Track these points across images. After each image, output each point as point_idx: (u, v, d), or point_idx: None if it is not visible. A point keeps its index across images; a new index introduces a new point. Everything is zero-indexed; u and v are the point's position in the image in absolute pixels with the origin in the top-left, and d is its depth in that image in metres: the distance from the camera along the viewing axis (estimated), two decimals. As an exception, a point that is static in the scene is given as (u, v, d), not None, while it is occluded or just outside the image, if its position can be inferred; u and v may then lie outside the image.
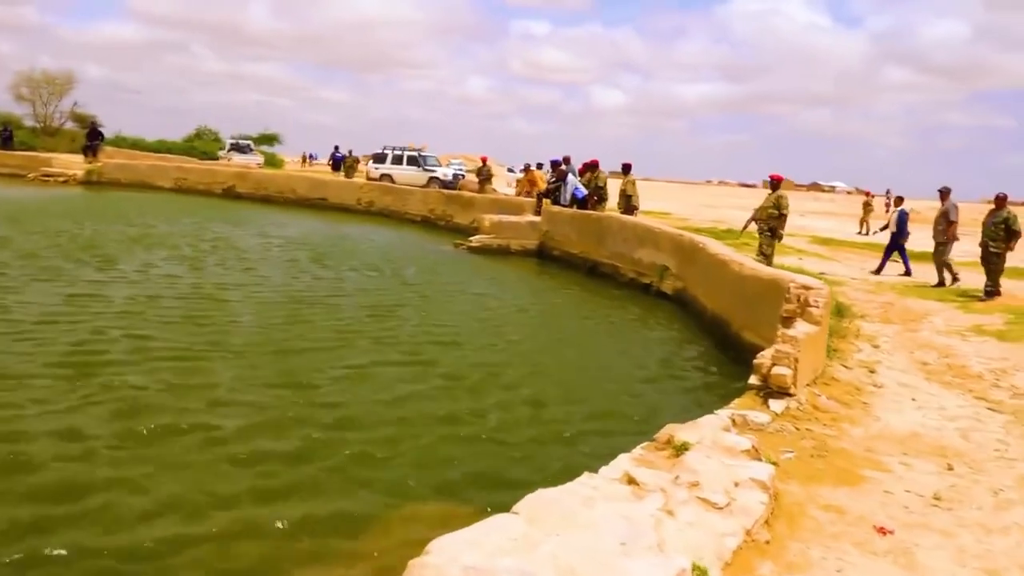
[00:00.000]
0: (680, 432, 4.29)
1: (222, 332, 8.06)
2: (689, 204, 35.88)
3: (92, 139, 32.58)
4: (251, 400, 6.05)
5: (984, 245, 11.29)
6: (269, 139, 55.60)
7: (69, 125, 46.77)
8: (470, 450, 5.49)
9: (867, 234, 23.06)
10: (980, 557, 3.41)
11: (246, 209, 24.14)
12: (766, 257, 11.13)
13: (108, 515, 4.17)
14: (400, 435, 5.60)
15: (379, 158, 30.87)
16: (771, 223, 11.50)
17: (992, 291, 11.04)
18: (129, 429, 5.28)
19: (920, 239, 15.23)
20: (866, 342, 8.09)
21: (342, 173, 33.72)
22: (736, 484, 3.66)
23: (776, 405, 5.35)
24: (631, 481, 3.69)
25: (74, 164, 30.79)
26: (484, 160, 27.75)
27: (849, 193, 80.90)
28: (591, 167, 16.96)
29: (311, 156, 59.18)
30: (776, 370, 5.58)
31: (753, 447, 4.15)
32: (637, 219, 14.65)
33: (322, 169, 42.97)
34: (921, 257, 14.36)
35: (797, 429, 5.03)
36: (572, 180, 16.85)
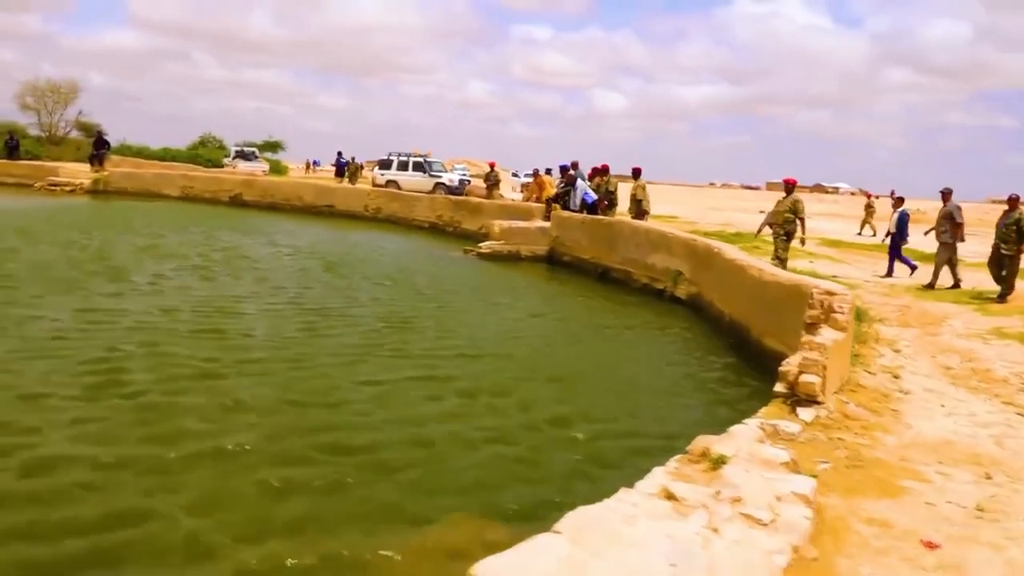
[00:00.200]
0: (715, 445, 4.22)
1: (238, 346, 7.96)
2: (694, 207, 35.80)
3: (98, 148, 32.61)
4: (274, 419, 5.92)
5: (996, 247, 11.20)
6: (273, 146, 55.75)
7: (74, 134, 46.82)
8: (496, 464, 5.42)
9: (874, 235, 22.99)
10: (1032, 572, 3.33)
11: (253, 217, 24.11)
12: (781, 261, 11.07)
13: (142, 550, 4.05)
14: (425, 452, 5.51)
15: (385, 164, 30.87)
16: (787, 227, 11.44)
17: (1006, 293, 10.95)
18: (154, 455, 5.12)
19: (924, 240, 15.11)
20: (887, 347, 8.01)
21: (346, 179, 33.68)
22: (779, 499, 3.60)
23: (805, 414, 5.27)
24: (669, 496, 3.62)
25: (80, 173, 30.78)
26: (492, 165, 27.67)
27: (853, 194, 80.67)
28: (601, 172, 16.91)
29: (314, 163, 59.29)
30: (804, 378, 5.50)
31: (792, 459, 4.09)
32: (649, 224, 14.58)
33: (325, 176, 42.94)
34: (931, 259, 14.25)
35: (829, 439, 4.96)
36: (581, 185, 16.81)
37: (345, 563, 4.05)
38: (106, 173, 30.85)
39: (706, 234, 15.20)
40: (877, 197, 27.70)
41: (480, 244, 17.08)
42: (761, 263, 8.93)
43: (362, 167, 47.38)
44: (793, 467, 4.04)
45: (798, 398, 5.49)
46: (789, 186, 12.02)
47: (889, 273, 13.81)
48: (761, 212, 32.56)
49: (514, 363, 8.12)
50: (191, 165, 38.36)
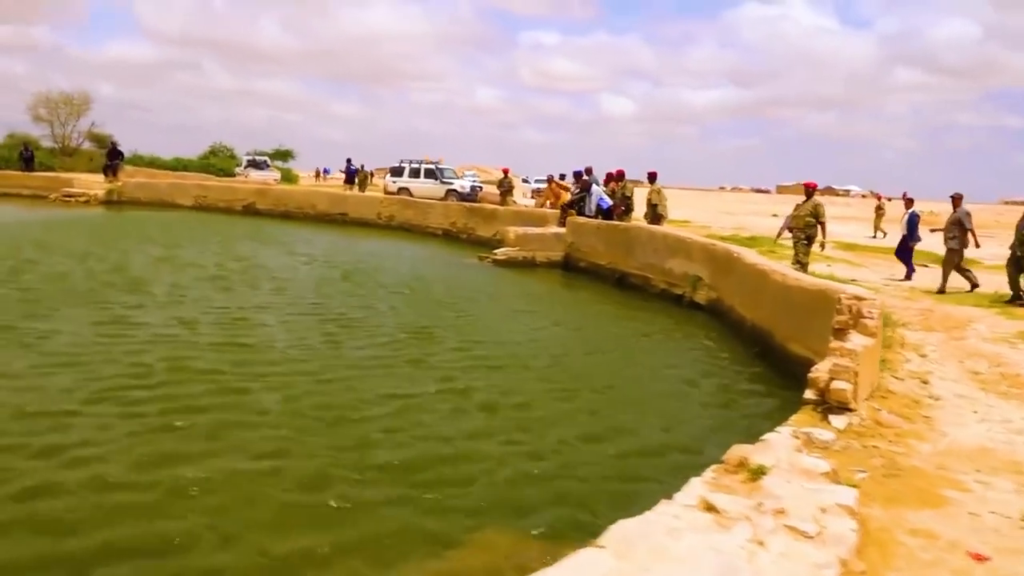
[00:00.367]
0: (752, 454, 4.17)
1: (260, 360, 7.87)
2: (706, 211, 35.72)
3: (112, 159, 32.82)
4: (298, 436, 5.81)
5: (1014, 250, 11.09)
6: (284, 155, 55.99)
7: (86, 145, 47.21)
8: (524, 480, 5.32)
9: (884, 236, 22.93)
10: (1085, 584, 3.27)
11: (268, 226, 24.19)
12: (802, 265, 11.00)
13: (165, 571, 3.98)
14: (451, 468, 5.42)
15: (396, 171, 30.96)
16: (808, 231, 11.38)
17: (1016, 297, 10.85)
18: (177, 473, 5.01)
19: (938, 243, 15.01)
20: (913, 351, 7.93)
21: (355, 186, 33.72)
22: (823, 510, 3.55)
23: (838, 421, 5.21)
24: (709, 508, 3.58)
25: (95, 184, 31.00)
26: (506, 172, 27.62)
27: (864, 196, 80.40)
28: (617, 177, 16.88)
29: (324, 171, 59.45)
30: (835, 384, 5.44)
31: (832, 469, 4.04)
32: (667, 229, 14.56)
33: (335, 183, 43.03)
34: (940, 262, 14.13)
35: (864, 447, 4.90)
36: (596, 190, 16.79)
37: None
38: (120, 183, 31.08)
39: (721, 238, 15.12)
40: (889, 199, 27.57)
41: (495, 251, 17.05)
42: (785, 268, 8.87)
43: (372, 175, 47.46)
44: (834, 477, 3.99)
45: (829, 405, 5.43)
46: (810, 190, 11.95)
47: (908, 276, 13.71)
48: (775, 216, 32.56)
49: (537, 373, 8.03)
50: (204, 175, 38.55)
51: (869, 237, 23.53)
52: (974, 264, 16.23)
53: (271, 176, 40.30)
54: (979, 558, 3.42)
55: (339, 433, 5.91)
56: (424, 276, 14.56)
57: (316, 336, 8.97)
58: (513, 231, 17.17)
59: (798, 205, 11.99)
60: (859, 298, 6.47)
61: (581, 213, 16.82)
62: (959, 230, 12.28)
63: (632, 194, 16.52)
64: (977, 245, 12.45)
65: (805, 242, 11.45)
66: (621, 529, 3.24)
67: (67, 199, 28.97)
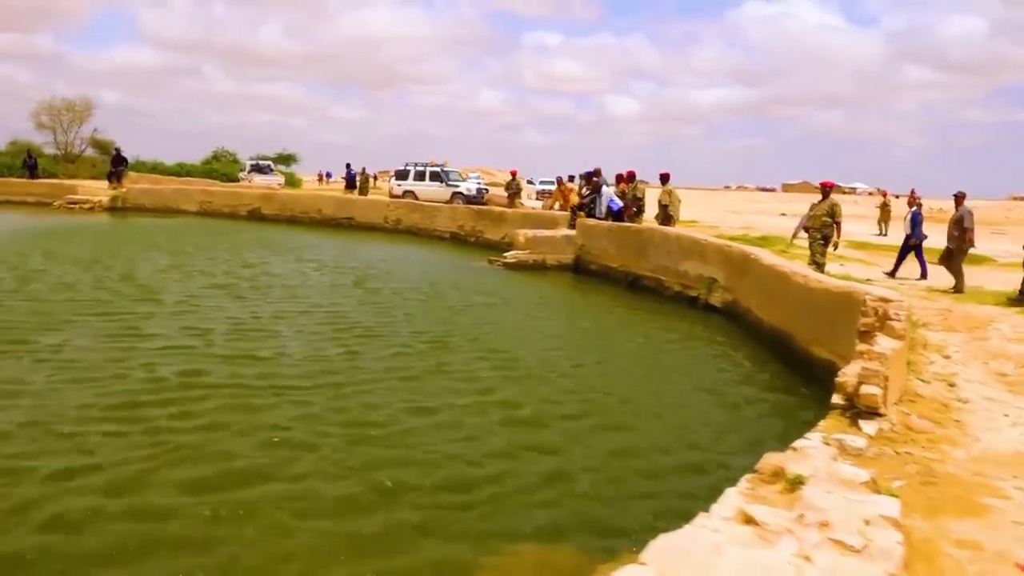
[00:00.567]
0: (788, 463, 4.08)
1: (279, 373, 7.68)
2: (713, 210, 35.62)
3: (116, 165, 32.74)
4: (328, 456, 5.63)
5: None
6: (286, 159, 56.07)
7: (89, 152, 47.28)
8: (555, 489, 5.22)
9: (885, 235, 22.90)
10: None
11: (274, 231, 24.12)
12: (819, 266, 10.90)
13: None
14: (487, 486, 5.28)
15: (401, 175, 30.84)
16: (824, 231, 11.28)
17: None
18: (199, 499, 4.84)
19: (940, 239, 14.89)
20: (936, 353, 7.83)
21: (356, 190, 33.56)
22: (867, 522, 3.46)
23: (868, 427, 5.12)
24: (748, 520, 3.49)
25: (99, 191, 31.02)
26: (514, 174, 27.43)
27: (871, 194, 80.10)
28: (628, 178, 16.77)
29: (327, 175, 59.47)
30: (865, 389, 5.35)
31: (872, 479, 3.94)
32: (680, 230, 14.45)
33: (337, 188, 42.96)
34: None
35: (897, 453, 4.80)
36: (607, 192, 16.69)
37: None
38: (124, 190, 31.03)
39: (731, 238, 15.01)
40: (897, 196, 27.44)
41: (505, 254, 16.98)
42: (805, 269, 8.77)
43: (376, 178, 47.34)
44: (873, 487, 3.90)
45: (858, 410, 5.34)
46: (826, 189, 11.84)
47: (923, 275, 13.59)
48: (783, 215, 32.46)
49: (558, 384, 7.85)
50: (209, 180, 38.53)
51: (874, 234, 23.44)
52: (988, 262, 16.16)
53: (275, 181, 40.29)
54: (1029, 570, 3.33)
55: (364, 452, 5.73)
56: (435, 281, 14.45)
57: (332, 347, 8.80)
58: (523, 234, 17.08)
59: (814, 204, 11.88)
60: (885, 300, 6.38)
61: (591, 215, 16.72)
62: (960, 229, 12.24)
63: (643, 195, 16.39)
64: (972, 244, 12.36)
65: (822, 242, 11.35)
66: (662, 545, 3.16)
67: (71, 206, 28.95)
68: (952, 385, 6.62)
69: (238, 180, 40.64)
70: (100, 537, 4.36)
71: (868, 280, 11.21)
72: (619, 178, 17.26)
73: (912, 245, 13.95)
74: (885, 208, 25.64)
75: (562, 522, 4.80)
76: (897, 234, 17.22)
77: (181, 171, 44.05)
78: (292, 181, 48.14)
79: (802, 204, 38.47)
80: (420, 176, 30.04)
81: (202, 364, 7.81)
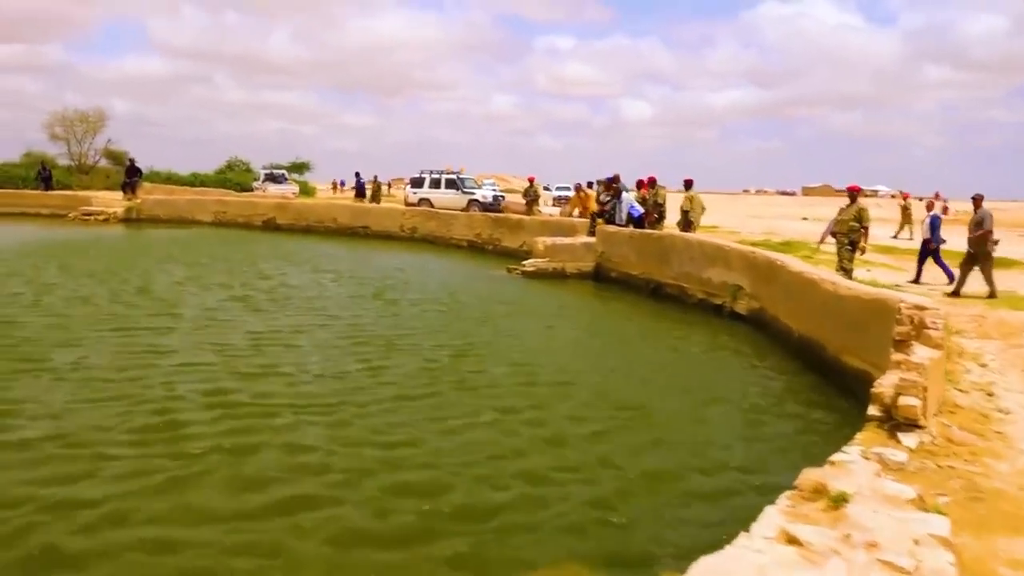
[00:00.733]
0: (830, 479, 3.93)
1: (302, 391, 7.52)
2: (733, 215, 35.26)
3: (131, 176, 32.80)
4: (356, 478, 5.47)
5: None
6: (300, 167, 56.17)
7: (103, 162, 47.52)
8: (588, 513, 5.05)
9: (896, 237, 22.68)
10: None
11: (289, 241, 24.09)
12: (846, 272, 10.71)
13: None
14: (521, 510, 5.12)
15: (417, 182, 30.75)
16: (852, 236, 11.08)
17: None
18: (223, 519, 4.77)
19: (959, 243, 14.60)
20: (972, 361, 7.62)
21: (366, 199, 33.47)
22: (916, 542, 3.30)
23: (908, 440, 4.95)
24: (791, 540, 3.35)
25: (113, 202, 31.10)
26: (532, 180, 27.26)
27: (893, 196, 79.27)
28: (649, 184, 16.59)
29: (341, 183, 59.56)
30: (903, 400, 5.18)
31: (918, 496, 3.78)
32: (703, 237, 14.26)
33: (347, 197, 42.95)
34: (999, 263, 13.72)
35: (939, 467, 4.63)
36: (627, 198, 16.53)
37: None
38: (139, 201, 31.13)
39: (753, 244, 14.81)
40: (920, 199, 27.02)
41: (524, 262, 16.83)
42: (835, 276, 8.59)
43: (389, 185, 47.18)
44: (920, 504, 3.74)
45: (896, 422, 5.17)
46: (853, 193, 11.64)
47: (950, 280, 13.33)
48: (804, 219, 32.11)
49: (585, 398, 7.64)
50: (223, 190, 38.59)
51: (908, 238, 23.11)
52: (1017, 265, 15.83)
53: (290, 190, 40.15)
54: (1092, 594, 3.16)
55: (393, 473, 5.58)
56: (454, 291, 14.34)
57: (353, 362, 8.65)
58: (542, 242, 16.95)
59: (842, 209, 11.68)
60: (920, 307, 6.22)
61: (611, 222, 16.56)
62: (979, 231, 12.01)
63: (665, 200, 16.18)
64: (995, 243, 12.12)
65: (849, 247, 11.15)
66: (704, 568, 3.04)
67: (86, 217, 28.95)
68: (991, 395, 6.42)
69: (252, 190, 40.59)
70: (116, 566, 4.26)
71: (897, 286, 10.99)
72: (639, 184, 17.09)
73: (931, 250, 13.71)
74: (906, 211, 25.27)
75: (597, 548, 4.64)
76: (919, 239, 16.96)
77: (195, 181, 44.15)
78: (306, 190, 48.02)
79: (823, 208, 37.95)
80: (436, 184, 29.96)
81: (223, 382, 7.67)
